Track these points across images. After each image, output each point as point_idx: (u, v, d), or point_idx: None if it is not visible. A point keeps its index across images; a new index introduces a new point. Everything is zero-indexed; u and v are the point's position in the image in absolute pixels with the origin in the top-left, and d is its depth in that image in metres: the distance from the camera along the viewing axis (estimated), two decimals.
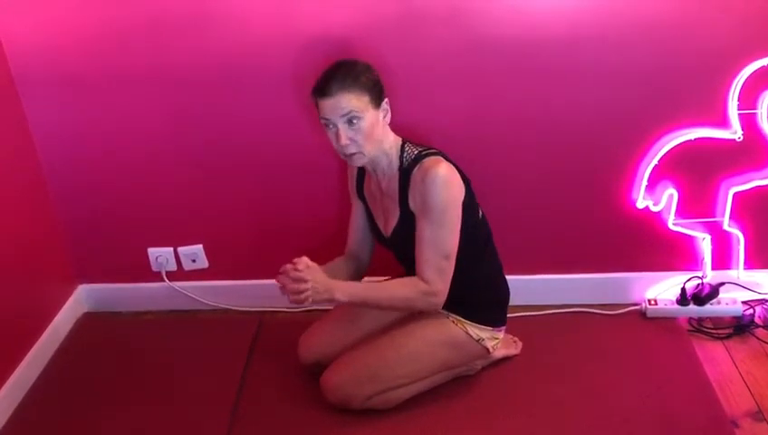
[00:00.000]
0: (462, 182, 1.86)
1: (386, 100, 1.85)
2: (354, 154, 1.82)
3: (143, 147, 2.33)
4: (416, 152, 1.87)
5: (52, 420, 2.12)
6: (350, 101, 1.75)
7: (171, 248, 2.50)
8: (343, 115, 1.77)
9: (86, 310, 2.64)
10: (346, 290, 1.84)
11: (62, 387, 2.25)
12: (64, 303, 2.53)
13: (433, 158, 1.84)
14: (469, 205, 1.90)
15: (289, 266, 1.78)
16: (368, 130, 1.79)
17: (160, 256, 2.51)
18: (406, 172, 1.87)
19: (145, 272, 2.55)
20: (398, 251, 2.04)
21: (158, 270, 2.54)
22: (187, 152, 2.33)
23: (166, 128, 2.29)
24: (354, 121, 1.77)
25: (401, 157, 1.88)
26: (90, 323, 2.58)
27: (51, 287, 2.50)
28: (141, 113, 2.27)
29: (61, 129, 2.32)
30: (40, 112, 2.30)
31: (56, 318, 2.46)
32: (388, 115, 1.87)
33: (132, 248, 2.51)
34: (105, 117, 2.28)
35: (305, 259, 1.80)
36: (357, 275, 2.11)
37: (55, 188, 2.43)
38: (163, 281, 2.55)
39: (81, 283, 2.62)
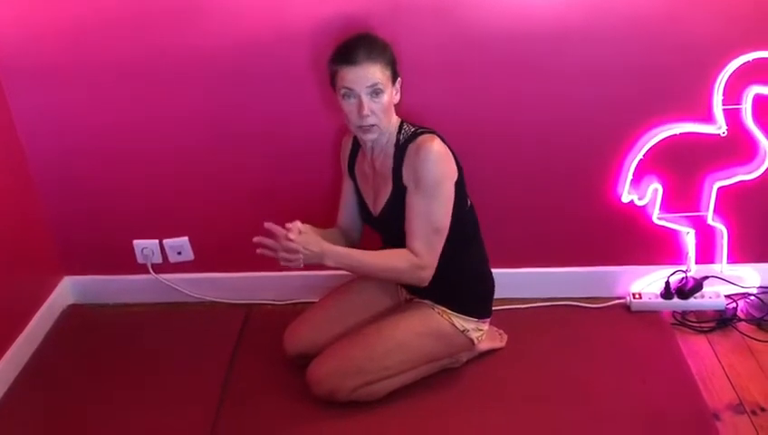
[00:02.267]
0: (455, 166, 1.88)
1: (399, 80, 1.88)
2: (372, 126, 1.83)
3: (129, 139, 2.31)
4: (412, 130, 1.90)
5: (34, 412, 2.11)
6: (376, 73, 1.78)
7: (157, 240, 2.49)
8: (369, 86, 1.78)
9: (71, 302, 2.63)
10: (336, 256, 1.82)
11: (46, 380, 2.24)
12: (49, 294, 2.52)
13: (429, 134, 1.86)
14: (460, 189, 1.91)
15: (281, 233, 1.74)
16: (387, 105, 1.82)
17: (146, 248, 2.50)
18: (401, 148, 1.88)
19: (130, 264, 2.54)
20: (385, 231, 2.04)
21: (143, 262, 2.53)
22: (173, 144, 2.31)
23: (152, 120, 2.27)
24: (377, 93, 1.79)
25: (398, 134, 1.90)
26: (75, 314, 2.57)
27: (36, 278, 2.48)
28: (127, 105, 2.25)
29: (46, 120, 2.30)
30: (25, 104, 2.28)
31: (41, 309, 2.45)
32: (398, 95, 1.89)
33: (118, 240, 2.50)
34: (91, 109, 2.27)
35: (298, 224, 1.78)
36: None
37: (41, 180, 2.41)
38: (149, 273, 2.54)
39: (67, 274, 2.61)
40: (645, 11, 2.03)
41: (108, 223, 2.48)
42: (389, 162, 1.91)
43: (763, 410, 1.97)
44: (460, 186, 1.90)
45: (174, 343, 2.38)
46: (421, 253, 1.84)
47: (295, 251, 1.75)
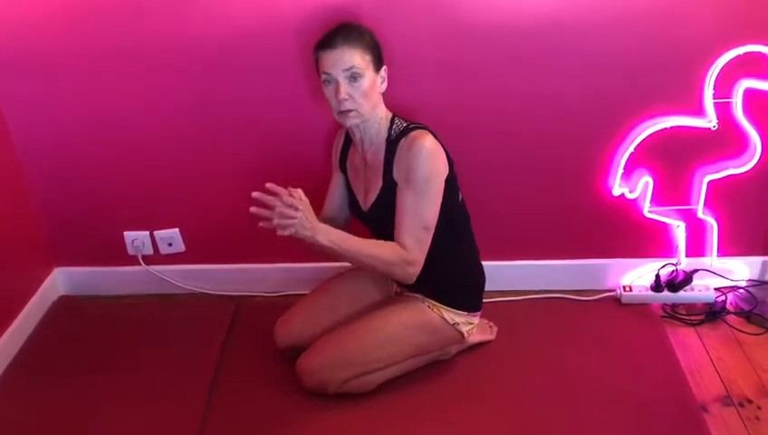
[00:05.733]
0: (446, 162, 1.87)
1: (384, 68, 1.87)
2: (350, 111, 1.82)
3: (119, 130, 2.30)
4: (404, 125, 1.89)
5: (24, 404, 2.11)
6: (354, 57, 1.77)
7: (147, 232, 2.48)
8: (345, 70, 1.78)
9: (62, 293, 2.62)
10: (329, 235, 1.76)
11: (36, 372, 2.24)
12: (40, 286, 2.51)
13: (421, 130, 1.86)
14: (452, 184, 1.91)
15: (284, 191, 1.68)
16: (366, 90, 1.81)
17: (136, 239, 2.49)
18: (393, 143, 1.88)
19: (121, 255, 2.53)
20: (374, 225, 2.03)
21: (134, 254, 2.52)
22: (164, 135, 2.30)
23: (142, 111, 2.26)
24: (355, 78, 1.79)
25: (390, 129, 1.90)
26: (65, 306, 2.56)
27: (26, 270, 2.48)
28: (118, 97, 2.24)
29: (36, 112, 2.29)
30: (14, 95, 2.26)
31: (31, 301, 2.44)
32: (385, 83, 1.89)
33: (108, 232, 2.50)
34: (81, 100, 2.25)
35: (300, 191, 1.72)
36: None
37: (31, 172, 2.40)
38: (139, 265, 2.53)
39: (57, 266, 2.60)
40: (636, 5, 2.03)
41: (98, 214, 2.47)
42: (381, 156, 1.91)
43: (750, 402, 1.98)
44: (451, 181, 1.90)
45: (165, 334, 2.37)
46: (411, 248, 1.84)
47: (295, 210, 1.67)
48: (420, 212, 1.83)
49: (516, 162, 2.29)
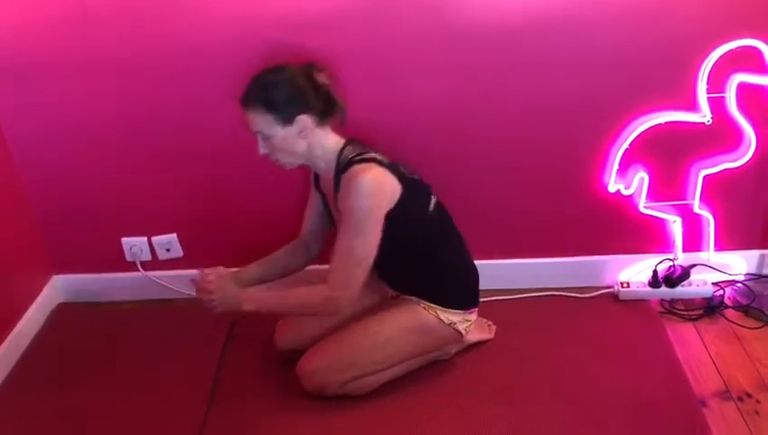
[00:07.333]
0: (393, 189, 1.83)
1: (303, 115, 1.81)
2: (276, 162, 1.89)
3: (116, 136, 2.31)
4: (350, 156, 1.86)
5: (23, 412, 2.11)
6: (255, 121, 1.82)
7: (145, 238, 2.49)
8: (255, 131, 1.83)
9: (61, 300, 2.63)
10: (254, 303, 1.92)
11: (36, 379, 2.24)
12: (39, 293, 2.52)
13: (363, 164, 1.81)
14: (412, 206, 1.88)
15: (197, 278, 1.91)
16: (278, 146, 1.84)
17: (134, 245, 2.50)
18: (337, 176, 1.88)
19: (119, 262, 2.54)
20: None
21: (132, 260, 2.53)
22: (160, 141, 2.31)
23: (138, 116, 2.27)
24: (266, 138, 1.83)
25: (338, 160, 1.89)
26: (65, 313, 2.57)
27: (25, 278, 2.48)
28: (113, 102, 2.24)
29: (31, 118, 2.29)
30: (9, 102, 2.27)
31: (31, 308, 2.45)
32: (308, 129, 1.83)
33: (106, 238, 2.50)
34: (76, 106, 2.26)
35: (219, 269, 1.94)
36: (303, 264, 2.16)
37: (28, 178, 2.41)
38: (138, 271, 2.54)
39: (56, 273, 2.61)
40: (628, 0, 2.03)
41: (96, 221, 2.48)
42: (331, 188, 1.92)
43: (749, 396, 1.98)
44: (412, 197, 1.87)
45: (165, 339, 2.38)
46: (336, 287, 1.84)
47: (210, 292, 1.89)
48: (353, 250, 1.81)
49: (511, 160, 2.29)
